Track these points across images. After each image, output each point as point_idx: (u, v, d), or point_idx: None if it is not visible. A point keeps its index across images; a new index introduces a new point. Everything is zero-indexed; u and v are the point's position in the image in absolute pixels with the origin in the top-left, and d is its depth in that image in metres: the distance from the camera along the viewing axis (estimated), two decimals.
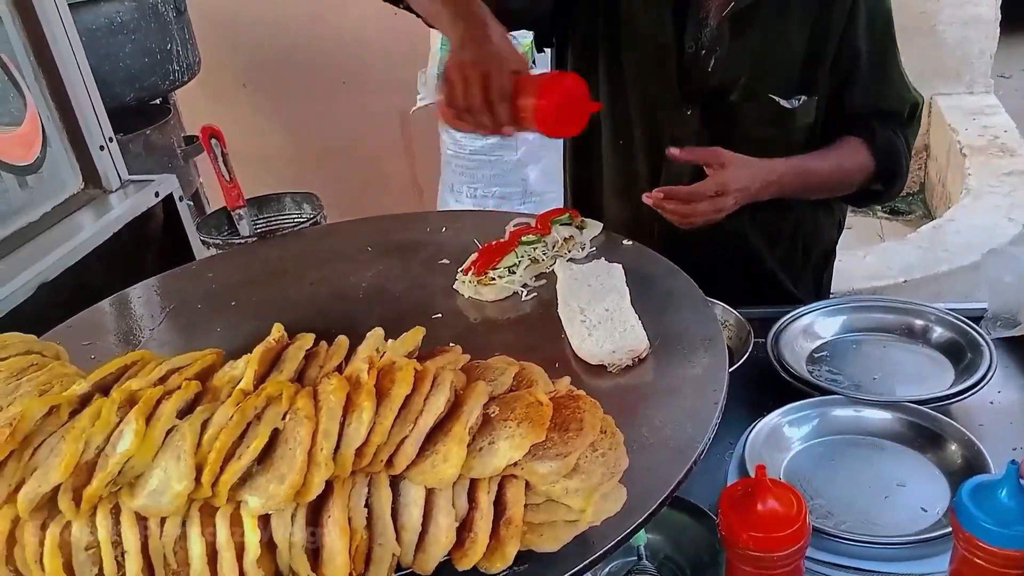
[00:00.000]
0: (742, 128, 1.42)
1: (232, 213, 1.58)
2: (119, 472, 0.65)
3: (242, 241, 1.51)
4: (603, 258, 1.26)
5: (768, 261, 1.58)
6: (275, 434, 0.65)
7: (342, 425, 0.64)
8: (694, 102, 1.42)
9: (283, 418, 0.65)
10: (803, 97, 1.40)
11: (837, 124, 1.46)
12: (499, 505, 0.66)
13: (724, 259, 1.50)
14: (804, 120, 1.43)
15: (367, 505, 0.64)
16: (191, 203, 3.28)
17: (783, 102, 1.40)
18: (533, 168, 3.31)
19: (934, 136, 4.22)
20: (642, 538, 1.08)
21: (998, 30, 4.14)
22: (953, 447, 1.13)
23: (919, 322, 1.41)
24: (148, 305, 1.34)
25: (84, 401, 0.73)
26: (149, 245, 1.73)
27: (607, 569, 1.11)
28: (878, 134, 1.44)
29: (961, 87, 4.19)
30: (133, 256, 1.67)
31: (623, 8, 1.43)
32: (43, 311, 1.39)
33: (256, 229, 1.59)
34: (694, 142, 1.40)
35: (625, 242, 1.33)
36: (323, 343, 0.76)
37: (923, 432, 1.17)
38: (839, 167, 1.45)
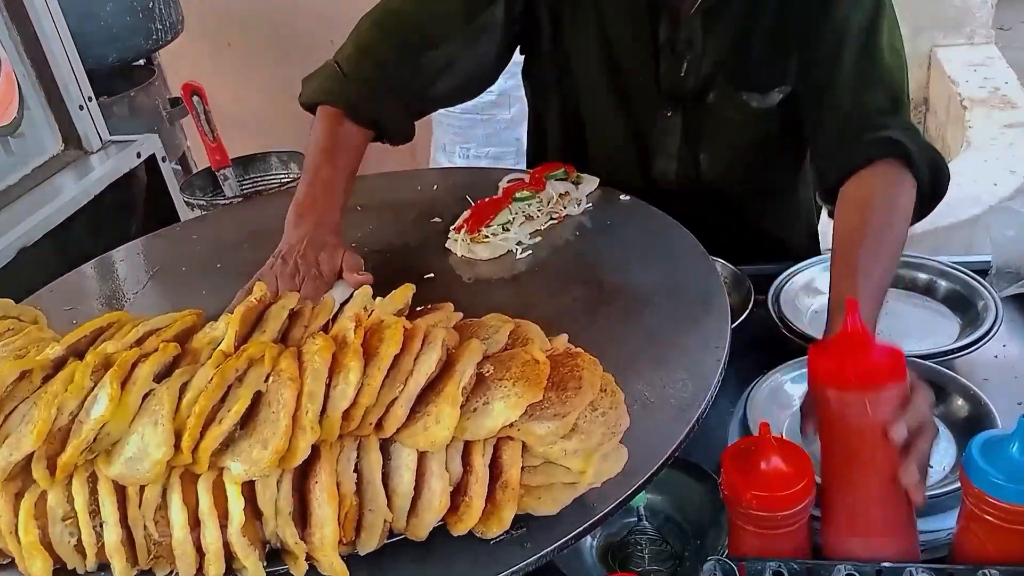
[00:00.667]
0: (719, 131, 1.34)
1: (217, 174, 1.53)
2: (94, 439, 0.62)
3: (227, 202, 1.47)
4: (600, 214, 1.23)
5: (758, 216, 1.52)
6: (258, 397, 0.62)
7: (328, 387, 0.61)
8: (673, 105, 1.34)
9: (266, 380, 0.62)
10: (780, 90, 1.28)
11: (837, 137, 1.20)
12: (495, 468, 0.63)
13: (714, 217, 1.40)
14: (782, 115, 1.31)
15: (356, 470, 0.61)
16: (178, 167, 3.22)
17: (760, 98, 1.28)
18: (526, 127, 3.25)
19: (934, 88, 4.16)
20: (642, 499, 1.06)
21: None
22: (959, 402, 1.11)
23: (923, 276, 1.38)
24: (131, 268, 1.30)
25: (58, 365, 0.69)
26: (132, 207, 1.69)
27: (606, 530, 1.10)
28: (904, 141, 1.13)
29: (961, 38, 4.12)
30: (116, 219, 1.63)
31: (585, 29, 1.34)
32: (24, 277, 1.36)
33: (242, 189, 1.55)
34: (678, 143, 1.35)
35: (622, 197, 1.29)
36: (308, 302, 0.73)
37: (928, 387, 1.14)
38: (892, 250, 1.10)
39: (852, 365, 0.83)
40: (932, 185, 1.14)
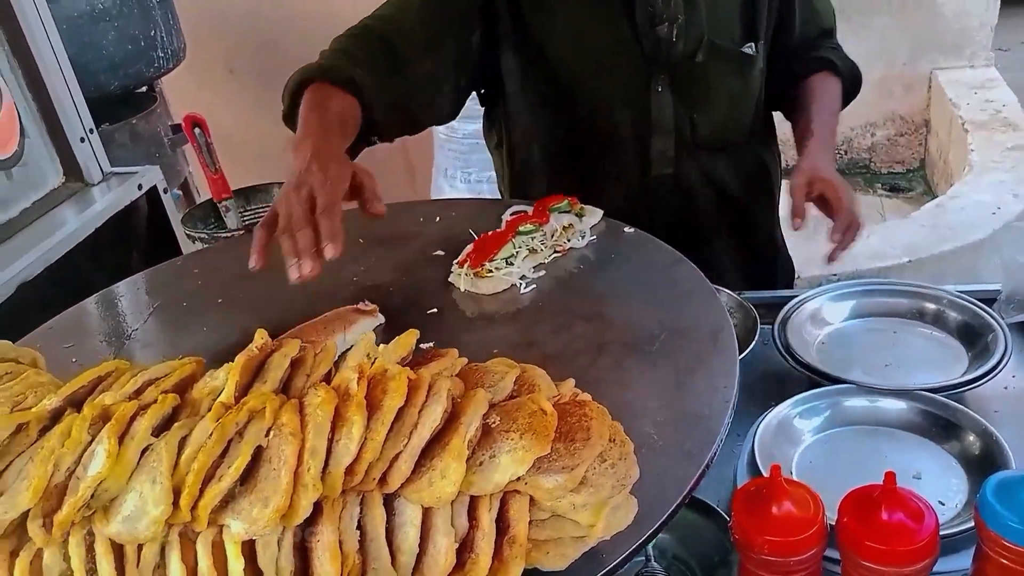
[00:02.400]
0: (711, 87, 1.46)
1: (218, 205, 1.53)
2: (91, 496, 0.60)
3: (229, 234, 1.46)
4: (604, 246, 1.22)
5: (757, 214, 1.65)
6: (259, 452, 0.60)
7: (330, 441, 0.59)
8: (663, 77, 1.43)
9: (267, 435, 0.60)
10: (753, 43, 1.46)
11: (786, 60, 1.54)
12: (502, 522, 0.61)
13: (721, 225, 1.58)
14: (759, 65, 1.49)
15: (359, 526, 0.60)
16: (180, 193, 3.22)
17: (744, 49, 1.45)
18: None
19: (935, 111, 4.16)
20: None
21: (998, 1, 4.07)
22: (970, 437, 1.10)
23: (931, 306, 1.37)
24: (132, 304, 1.29)
25: (55, 417, 0.68)
26: (134, 240, 1.68)
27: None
28: (833, 59, 1.54)
29: (961, 61, 4.13)
30: (117, 252, 1.62)
31: (555, 29, 1.42)
32: (24, 312, 1.34)
33: (244, 221, 1.54)
34: (669, 114, 1.44)
35: (627, 229, 1.28)
36: (310, 349, 0.71)
37: (938, 421, 1.13)
38: (834, 109, 1.52)
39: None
40: (851, 84, 1.56)
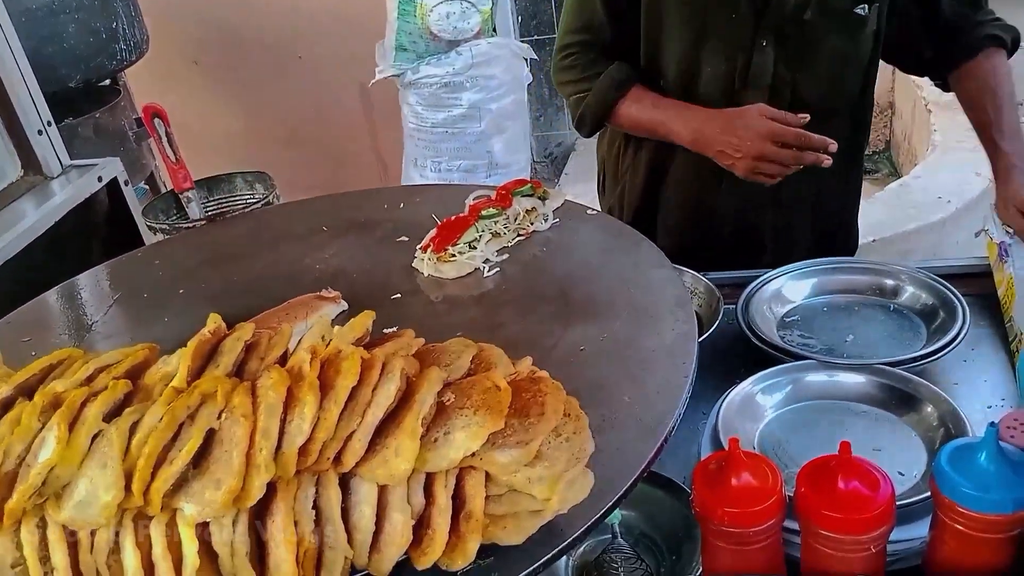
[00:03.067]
0: (818, 47, 1.45)
1: (180, 196, 1.51)
2: (42, 483, 0.59)
3: (190, 225, 1.44)
4: (568, 228, 1.22)
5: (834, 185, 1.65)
6: (211, 435, 0.60)
7: (283, 422, 0.59)
8: (768, 33, 1.43)
9: (218, 417, 0.60)
10: (867, 4, 1.43)
11: (942, 34, 1.51)
12: (458, 498, 0.62)
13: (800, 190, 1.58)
14: (872, 27, 1.47)
15: (315, 506, 0.60)
16: (147, 187, 3.18)
17: (857, 10, 1.43)
18: (498, 139, 3.24)
19: (899, 93, 4.21)
20: (617, 516, 1.05)
21: None
22: (929, 408, 1.11)
23: (890, 282, 1.39)
24: (92, 297, 1.27)
25: (6, 406, 0.67)
26: (95, 233, 1.65)
27: (581, 548, 1.09)
28: (998, 33, 1.51)
29: None
30: (78, 245, 1.60)
31: None
32: None
33: (207, 212, 1.52)
34: (768, 72, 1.45)
35: (589, 211, 1.29)
36: (265, 333, 0.71)
37: (898, 394, 1.15)
38: (1012, 97, 1.50)
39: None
40: (1013, 48, 1.52)
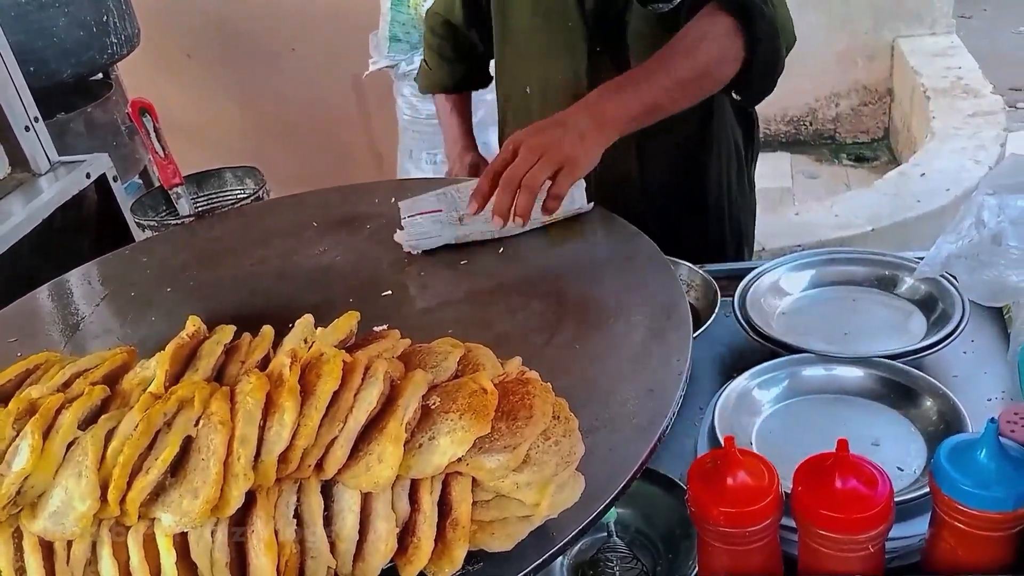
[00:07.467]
0: (643, 43, 1.44)
1: (169, 192, 1.49)
2: (17, 493, 0.58)
3: (179, 221, 1.42)
4: (561, 222, 1.20)
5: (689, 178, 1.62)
6: (189, 442, 0.58)
7: (262, 429, 0.57)
8: (601, 40, 1.47)
9: (196, 424, 0.58)
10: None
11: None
12: (444, 505, 0.60)
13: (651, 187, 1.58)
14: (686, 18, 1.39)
15: (296, 515, 0.58)
16: (140, 181, 3.15)
17: (665, 6, 1.39)
18: (493, 130, 3.21)
19: (897, 80, 4.18)
20: (612, 515, 1.03)
21: None
22: (928, 402, 1.09)
23: (889, 273, 1.36)
24: (80, 295, 1.26)
25: None
26: (84, 230, 1.64)
27: (576, 547, 1.07)
28: None
29: (923, 28, 4.14)
30: (67, 241, 1.58)
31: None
32: None
33: (196, 207, 1.51)
34: (610, 77, 1.31)
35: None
36: (246, 335, 0.69)
37: (896, 388, 1.13)
38: (688, 42, 1.29)
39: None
40: (746, 23, 1.27)
